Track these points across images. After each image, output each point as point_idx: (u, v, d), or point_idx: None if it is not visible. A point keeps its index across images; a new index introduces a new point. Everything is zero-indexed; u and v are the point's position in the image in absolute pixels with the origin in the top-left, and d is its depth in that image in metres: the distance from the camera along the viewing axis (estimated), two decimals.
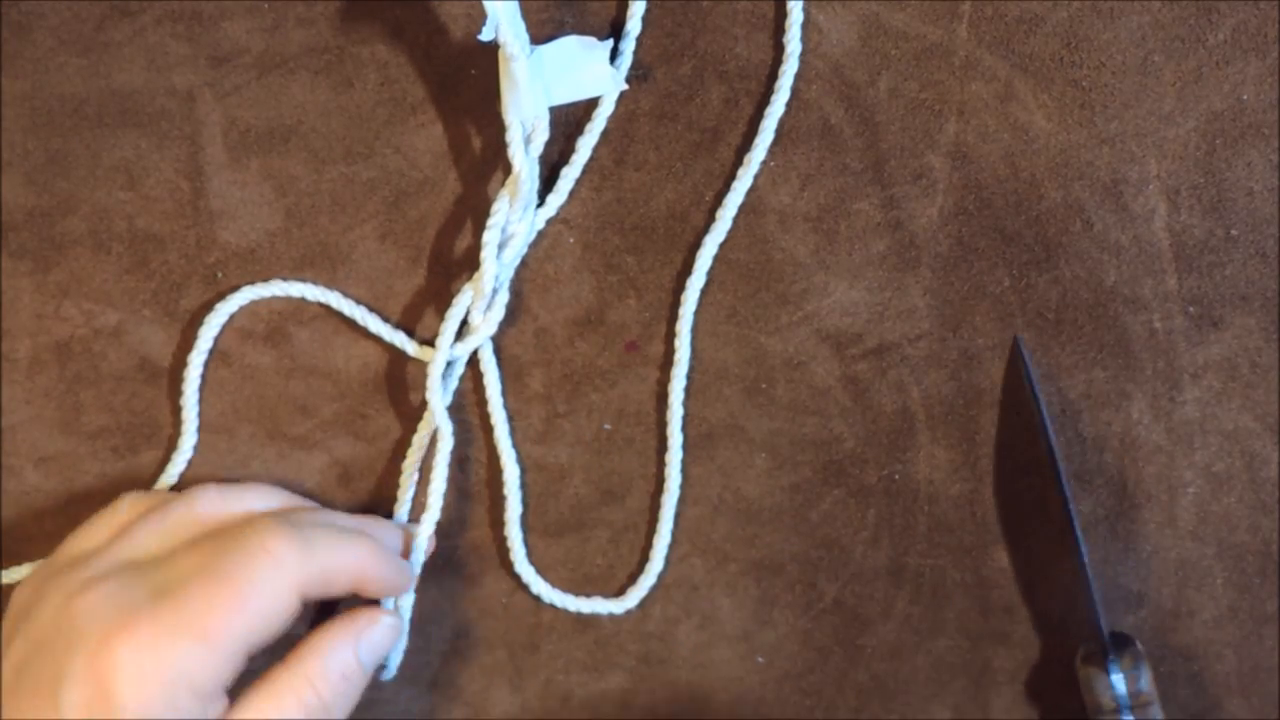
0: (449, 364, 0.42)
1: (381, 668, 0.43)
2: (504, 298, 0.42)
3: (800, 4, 0.41)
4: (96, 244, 0.43)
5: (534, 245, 0.42)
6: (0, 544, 0.44)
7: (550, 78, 0.40)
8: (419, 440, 0.43)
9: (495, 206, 0.40)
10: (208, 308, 0.43)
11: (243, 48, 0.42)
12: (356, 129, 0.42)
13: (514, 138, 0.39)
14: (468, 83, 0.42)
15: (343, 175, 0.42)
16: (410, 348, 0.42)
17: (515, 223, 0.40)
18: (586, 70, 0.40)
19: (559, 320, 0.43)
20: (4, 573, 0.44)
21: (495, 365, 0.42)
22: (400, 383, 0.43)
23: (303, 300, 0.43)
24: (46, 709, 0.34)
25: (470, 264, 0.43)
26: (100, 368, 0.43)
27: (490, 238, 0.40)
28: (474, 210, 0.42)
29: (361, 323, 0.42)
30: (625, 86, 0.41)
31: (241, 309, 0.43)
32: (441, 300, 0.43)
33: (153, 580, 0.37)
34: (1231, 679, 0.44)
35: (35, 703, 0.35)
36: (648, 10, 0.41)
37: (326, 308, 0.43)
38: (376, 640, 0.39)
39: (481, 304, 0.41)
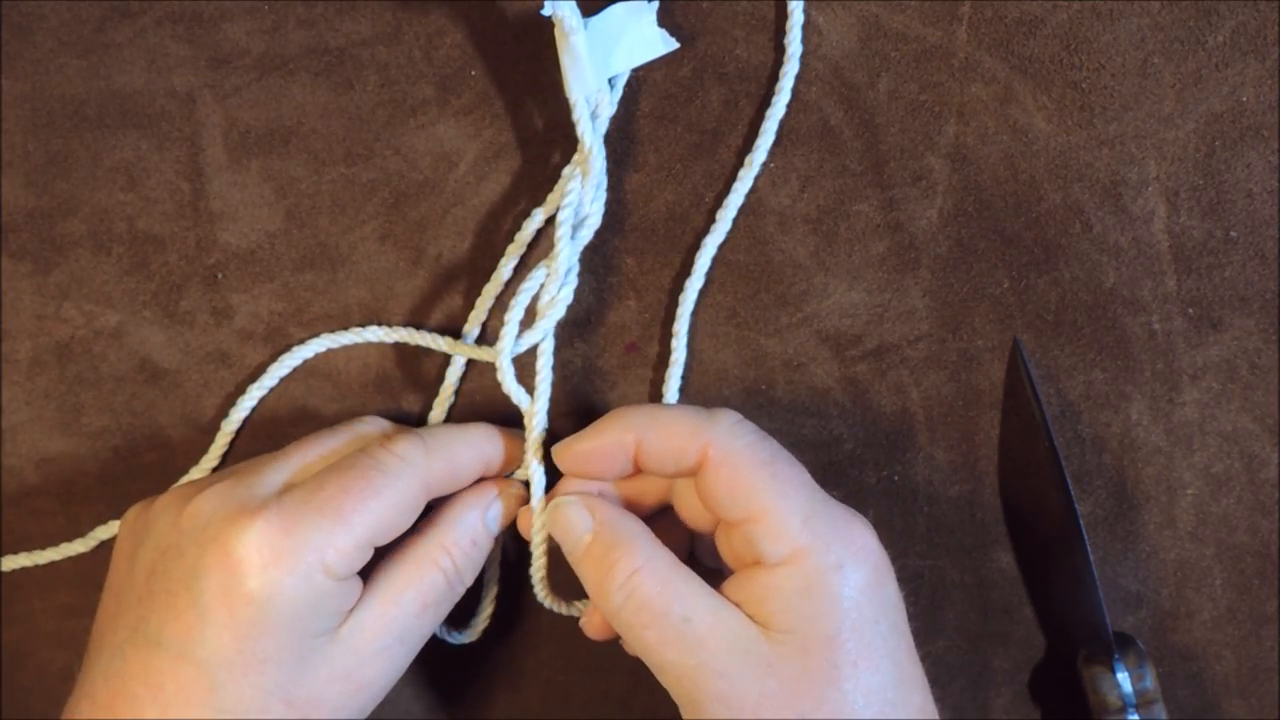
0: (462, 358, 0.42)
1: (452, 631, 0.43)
2: (573, 282, 0.41)
3: (800, 5, 0.41)
4: (97, 245, 0.43)
5: (533, 246, 0.42)
6: (0, 544, 0.44)
7: (605, 48, 0.40)
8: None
9: (568, 186, 0.40)
10: (216, 313, 0.43)
11: (243, 49, 0.42)
12: (356, 130, 0.42)
13: (581, 114, 0.39)
14: (468, 83, 0.42)
15: (343, 176, 0.42)
16: (475, 352, 0.42)
17: (589, 203, 0.40)
18: (637, 35, 0.40)
19: (559, 321, 0.43)
20: (4, 559, 0.44)
21: (551, 353, 0.41)
22: (401, 383, 0.43)
23: (303, 301, 0.43)
24: (184, 606, 0.35)
25: (472, 264, 0.43)
26: (100, 369, 0.43)
27: (565, 217, 0.40)
28: (474, 211, 0.42)
29: (436, 347, 0.42)
30: (676, 45, 0.40)
31: (244, 310, 0.43)
32: (442, 301, 0.43)
33: (274, 478, 0.37)
34: (1230, 679, 0.44)
35: (171, 601, 0.35)
36: None
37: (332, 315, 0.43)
38: (502, 507, 0.40)
39: (553, 287, 0.40)
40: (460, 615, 0.44)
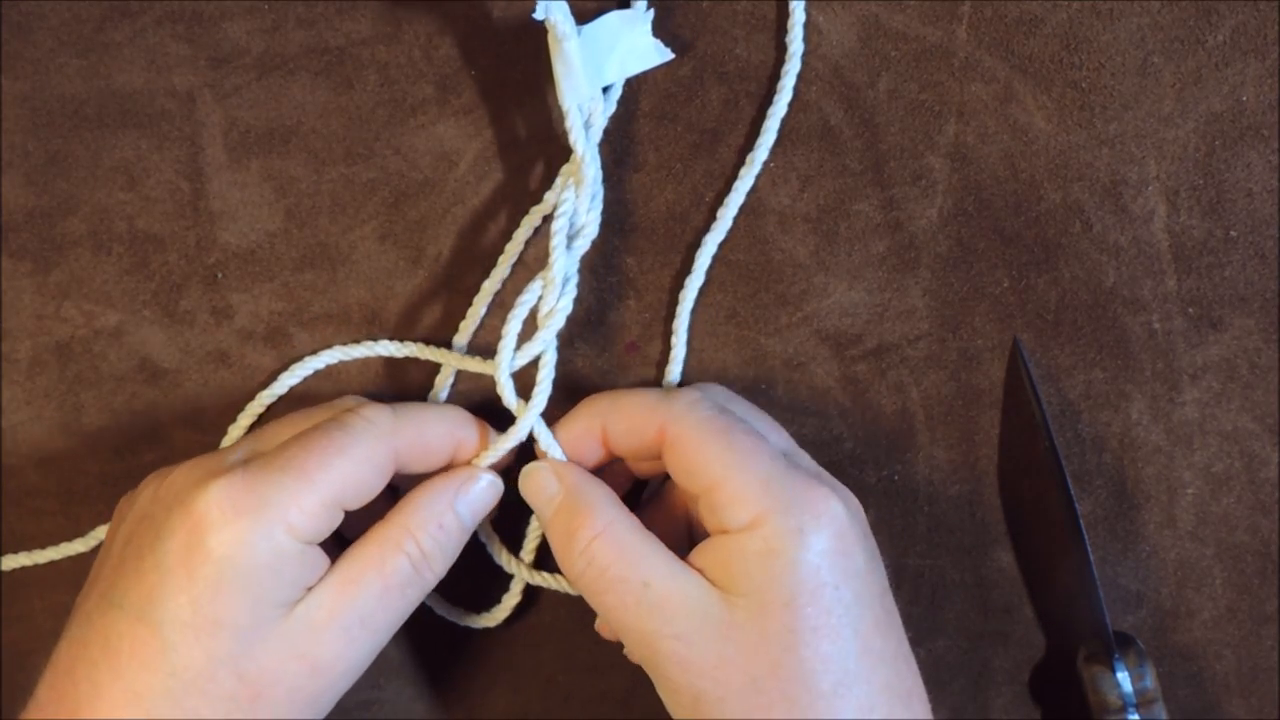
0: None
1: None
2: (572, 292, 0.40)
3: (801, 5, 0.41)
4: (97, 245, 0.43)
5: (533, 246, 0.42)
6: (0, 544, 0.44)
7: (599, 57, 0.39)
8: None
9: (562, 195, 0.39)
10: (216, 313, 0.43)
11: (243, 48, 0.42)
12: (356, 129, 0.42)
13: (574, 123, 0.38)
14: (468, 83, 0.42)
15: (343, 176, 0.42)
16: (477, 365, 0.42)
17: (584, 213, 0.40)
18: (631, 44, 0.40)
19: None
20: (4, 559, 0.44)
21: (553, 365, 0.41)
22: (399, 383, 0.43)
23: (303, 300, 0.43)
24: (148, 568, 0.35)
25: (472, 263, 0.43)
26: (100, 368, 0.43)
27: (559, 228, 0.39)
28: (474, 210, 0.42)
29: (442, 361, 0.42)
30: (671, 55, 0.40)
31: (244, 310, 0.43)
32: (442, 300, 0.43)
33: (248, 446, 0.38)
34: (1231, 679, 0.44)
35: (138, 565, 0.35)
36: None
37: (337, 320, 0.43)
38: (474, 495, 0.39)
39: (551, 298, 0.40)
40: (482, 600, 0.44)
